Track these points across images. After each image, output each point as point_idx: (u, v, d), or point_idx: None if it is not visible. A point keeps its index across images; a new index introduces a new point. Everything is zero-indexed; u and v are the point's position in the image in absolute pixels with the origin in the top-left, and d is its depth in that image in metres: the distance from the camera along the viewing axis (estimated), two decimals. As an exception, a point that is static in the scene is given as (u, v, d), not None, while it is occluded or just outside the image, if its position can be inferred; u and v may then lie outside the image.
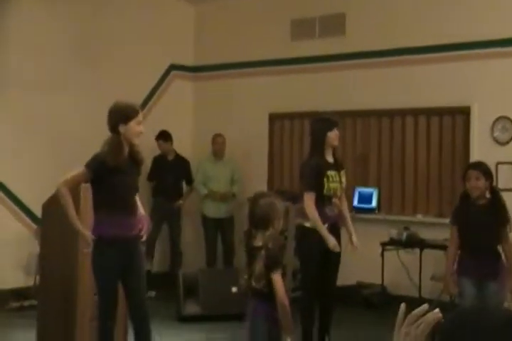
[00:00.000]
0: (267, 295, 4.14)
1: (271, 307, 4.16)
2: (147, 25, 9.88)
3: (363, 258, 8.15)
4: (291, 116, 9.68)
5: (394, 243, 8.26)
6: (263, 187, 9.67)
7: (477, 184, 5.41)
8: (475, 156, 8.25)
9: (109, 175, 4.96)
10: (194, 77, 10.57)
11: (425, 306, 1.78)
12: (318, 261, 6.04)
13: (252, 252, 4.25)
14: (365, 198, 8.95)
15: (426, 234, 8.11)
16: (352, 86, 9.10)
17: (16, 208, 8.63)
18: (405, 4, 8.75)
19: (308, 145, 9.37)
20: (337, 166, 6.20)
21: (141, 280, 5.19)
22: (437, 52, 8.50)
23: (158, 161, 9.45)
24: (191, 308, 7.67)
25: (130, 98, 9.42)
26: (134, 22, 9.74)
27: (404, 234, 8.12)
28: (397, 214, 8.71)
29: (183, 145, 10.24)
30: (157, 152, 9.55)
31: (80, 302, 6.00)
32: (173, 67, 10.34)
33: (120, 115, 4.99)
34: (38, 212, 7.26)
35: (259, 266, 4.11)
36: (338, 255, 6.14)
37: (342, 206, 6.30)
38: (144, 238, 5.26)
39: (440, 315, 1.74)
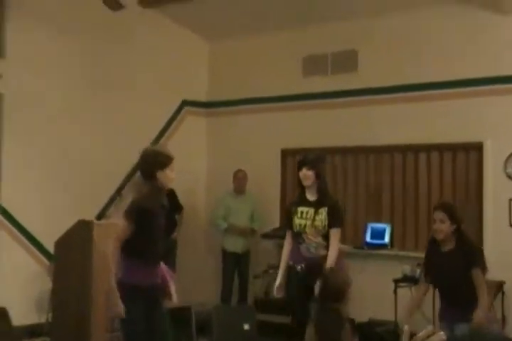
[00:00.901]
0: None
1: None
2: (161, 60, 9.98)
3: (375, 294, 8.14)
4: (303, 152, 9.62)
5: (407, 280, 8.19)
6: (275, 222, 9.69)
7: (440, 227, 5.24)
8: (488, 192, 8.27)
9: (147, 221, 5.01)
10: (207, 113, 10.63)
11: (429, 328, 1.78)
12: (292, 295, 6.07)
13: None
14: (378, 234, 8.91)
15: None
16: (364, 122, 9.11)
17: (29, 244, 8.65)
18: (417, 41, 8.78)
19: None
20: (316, 203, 6.06)
21: (167, 323, 5.22)
22: (450, 88, 8.51)
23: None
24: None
25: (144, 133, 9.69)
26: (148, 57, 9.84)
27: (418, 271, 8.05)
28: (411, 250, 8.66)
29: (196, 180, 10.30)
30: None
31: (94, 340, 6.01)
32: (185, 102, 10.40)
33: (158, 162, 5.07)
34: (50, 248, 7.29)
35: None
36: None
37: (330, 243, 6.06)
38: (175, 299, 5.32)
39: (444, 337, 1.75)
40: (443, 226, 5.21)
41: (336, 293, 4.48)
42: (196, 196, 10.37)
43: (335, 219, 6.02)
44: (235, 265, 9.31)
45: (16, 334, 7.97)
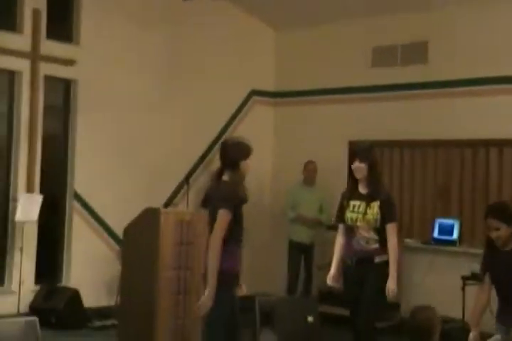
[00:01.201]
0: None
1: None
2: (230, 49, 10.03)
3: (442, 291, 8.05)
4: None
5: (476, 278, 8.08)
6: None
7: (497, 234, 4.95)
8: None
9: (240, 209, 5.10)
10: (275, 103, 10.63)
11: (497, 338, 1.75)
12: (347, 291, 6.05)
13: None
14: (446, 230, 8.79)
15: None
16: (433, 115, 9.02)
17: (101, 229, 8.83)
18: (491, 34, 8.66)
19: (388, 176, 9.53)
20: (367, 197, 5.89)
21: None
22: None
23: None
24: (267, 337, 7.66)
25: (212, 122, 9.77)
26: (217, 46, 9.90)
27: (487, 269, 7.93)
28: (480, 248, 8.50)
29: (262, 170, 10.31)
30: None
31: (160, 326, 6.09)
32: (254, 92, 10.43)
33: (242, 152, 5.14)
34: (120, 233, 7.41)
35: None
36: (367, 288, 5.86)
37: (388, 241, 5.83)
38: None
39: None
40: (500, 233, 4.95)
41: (424, 331, 4.23)
42: (263, 186, 10.38)
43: (388, 213, 5.84)
44: (301, 256, 9.31)
45: (87, 315, 8.19)
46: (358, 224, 5.82)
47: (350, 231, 5.89)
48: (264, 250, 9.80)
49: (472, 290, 8.05)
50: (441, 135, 8.92)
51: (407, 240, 9.10)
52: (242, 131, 10.15)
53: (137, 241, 6.36)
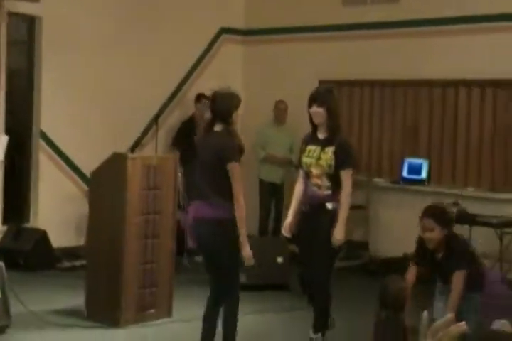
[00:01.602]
0: None
1: None
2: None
3: (411, 230, 8.04)
4: (341, 84, 9.51)
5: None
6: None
7: (430, 235, 4.98)
8: (530, 128, 8.13)
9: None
10: (245, 41, 10.45)
11: (450, 316, 1.70)
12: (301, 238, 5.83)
13: None
14: (415, 169, 8.79)
15: (476, 209, 7.89)
16: (404, 54, 8.91)
17: (69, 169, 8.72)
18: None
19: (357, 115, 9.47)
20: (323, 142, 5.60)
21: None
22: (494, 21, 8.25)
23: (188, 128, 9.23)
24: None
25: (181, 61, 9.61)
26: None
27: (454, 210, 7.98)
28: (447, 187, 8.57)
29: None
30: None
31: (128, 271, 6.05)
32: (223, 30, 10.23)
33: (234, 102, 5.07)
34: (88, 172, 7.32)
35: None
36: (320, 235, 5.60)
37: (343, 188, 5.54)
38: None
39: (465, 327, 1.67)
40: (433, 234, 4.98)
41: (395, 301, 4.31)
42: (232, 126, 10.28)
43: (343, 159, 5.52)
44: (271, 196, 9.28)
45: (56, 256, 8.15)
46: (312, 169, 5.57)
47: (307, 176, 5.67)
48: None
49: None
50: (411, 75, 8.83)
51: (377, 180, 9.13)
52: (211, 70, 10.04)
53: (104, 187, 6.26)
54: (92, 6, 8.78)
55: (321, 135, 5.62)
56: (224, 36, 10.25)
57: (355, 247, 8.48)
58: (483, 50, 8.36)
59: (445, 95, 8.79)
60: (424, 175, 8.74)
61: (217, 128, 5.02)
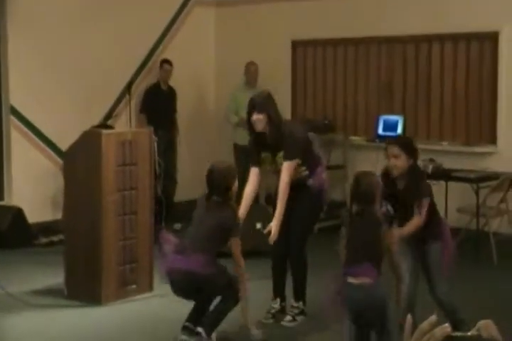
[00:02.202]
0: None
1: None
2: None
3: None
4: (314, 43, 9.40)
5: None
6: (287, 115, 9.49)
7: (395, 162, 4.89)
8: (503, 83, 8.07)
9: None
10: (216, 3, 10.23)
11: (433, 318, 1.62)
12: None
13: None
14: (390, 126, 8.72)
15: (452, 164, 7.88)
16: (376, 11, 8.79)
17: (42, 144, 8.57)
18: None
19: (332, 74, 9.33)
20: (272, 148, 5.61)
21: None
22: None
23: (152, 92, 9.21)
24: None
25: (152, 25, 9.41)
26: None
27: (430, 167, 7.92)
28: (423, 143, 8.47)
29: (205, 73, 10.07)
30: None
31: (107, 248, 5.97)
32: (193, -8, 10.02)
33: (231, 177, 5.19)
34: (62, 146, 7.21)
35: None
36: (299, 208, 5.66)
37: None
38: None
39: (449, 329, 1.60)
40: (399, 162, 4.89)
41: (366, 194, 4.39)
42: (206, 90, 10.15)
43: (286, 152, 5.51)
44: (245, 158, 9.17)
45: (33, 233, 8.05)
46: (275, 176, 5.67)
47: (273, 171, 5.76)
48: (211, 154, 9.63)
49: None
50: (384, 31, 8.71)
51: (353, 138, 9.06)
52: (182, 34, 9.85)
53: (79, 165, 6.13)
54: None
55: (268, 140, 5.56)
56: (194, -2, 10.04)
57: (334, 207, 8.45)
58: (455, 4, 8.24)
59: (418, 51, 8.69)
60: (399, 131, 8.67)
61: (215, 198, 5.06)
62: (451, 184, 7.78)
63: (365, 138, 8.95)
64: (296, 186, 5.57)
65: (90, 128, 6.27)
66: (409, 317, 1.65)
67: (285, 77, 9.63)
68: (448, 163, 7.90)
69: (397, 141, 5.17)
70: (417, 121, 8.75)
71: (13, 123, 8.39)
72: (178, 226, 8.68)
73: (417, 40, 8.62)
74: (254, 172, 5.74)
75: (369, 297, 4.29)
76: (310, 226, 5.90)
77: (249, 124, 5.60)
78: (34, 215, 8.16)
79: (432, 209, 5.05)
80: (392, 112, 8.83)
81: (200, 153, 9.72)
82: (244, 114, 9.04)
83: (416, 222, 4.89)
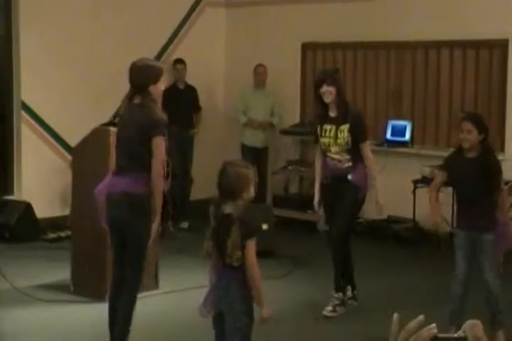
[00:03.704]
0: (239, 268, 3.93)
1: (244, 277, 3.95)
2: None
3: (394, 193, 8.01)
4: (324, 47, 9.38)
5: (426, 181, 8.05)
6: (295, 118, 9.52)
7: (468, 137, 5.15)
8: (512, 90, 8.04)
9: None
10: (226, 4, 10.21)
11: (421, 318, 1.60)
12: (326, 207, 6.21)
13: (220, 220, 3.97)
14: (399, 131, 8.71)
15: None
16: (387, 16, 8.74)
17: (52, 140, 8.58)
18: None
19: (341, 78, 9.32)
20: (337, 120, 5.93)
21: None
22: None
23: (170, 91, 9.13)
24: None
25: (163, 25, 9.40)
26: None
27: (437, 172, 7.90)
28: (431, 149, 8.49)
29: (215, 74, 10.06)
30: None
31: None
32: (205, -7, 10.02)
33: (150, 76, 4.86)
34: (71, 142, 7.21)
35: (233, 238, 3.86)
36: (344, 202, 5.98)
37: (366, 159, 6.00)
38: None
39: (435, 330, 1.58)
40: (470, 136, 5.16)
41: (230, 188, 3.95)
42: (216, 91, 10.15)
43: (359, 134, 5.93)
44: (253, 160, 9.15)
45: (41, 227, 8.07)
46: (331, 148, 5.93)
47: (325, 153, 6.03)
48: (218, 154, 9.60)
49: (422, 192, 8.08)
50: (394, 37, 8.68)
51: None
52: (193, 34, 9.85)
53: (88, 161, 6.16)
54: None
55: (332, 113, 5.97)
56: (206, 0, 10.00)
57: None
58: (465, 11, 8.20)
59: (428, 57, 8.67)
60: (407, 137, 8.66)
61: (137, 100, 4.81)
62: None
63: (374, 143, 8.91)
64: (337, 180, 5.93)
65: (99, 125, 6.22)
66: (395, 315, 1.63)
67: (294, 80, 9.61)
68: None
69: (471, 117, 5.37)
70: (426, 126, 8.72)
71: (24, 119, 8.40)
72: (185, 224, 8.69)
73: (427, 46, 8.59)
74: (319, 149, 6.11)
75: (229, 297, 3.96)
76: (351, 219, 6.16)
77: (317, 96, 5.98)
78: (43, 210, 8.18)
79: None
80: (400, 117, 8.81)
81: (209, 152, 9.67)
82: (253, 115, 9.15)
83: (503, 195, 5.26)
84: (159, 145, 4.70)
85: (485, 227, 5.17)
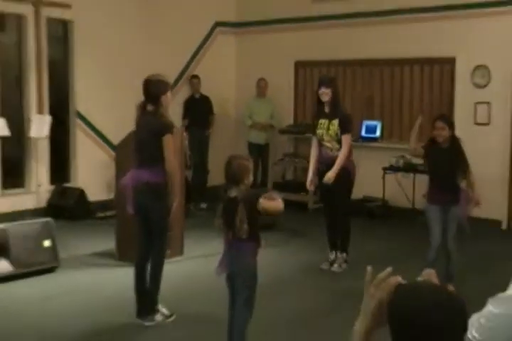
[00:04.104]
0: (248, 239, 3.88)
1: (254, 246, 3.94)
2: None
3: (368, 178, 8.05)
4: (313, 64, 9.38)
5: (393, 168, 8.09)
6: (290, 120, 9.54)
7: (441, 133, 5.21)
8: (458, 97, 8.03)
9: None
10: (236, 32, 10.20)
11: (389, 270, 1.64)
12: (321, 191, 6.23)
13: (228, 202, 3.91)
14: (371, 129, 8.72)
15: (418, 160, 7.80)
16: (361, 40, 8.73)
17: (100, 140, 8.60)
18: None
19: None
20: (330, 115, 5.90)
21: None
22: (430, 12, 8.10)
23: (189, 101, 9.30)
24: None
25: (184, 50, 9.41)
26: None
27: (401, 162, 7.93)
28: (396, 143, 8.50)
29: (227, 87, 10.07)
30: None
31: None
32: (218, 23, 9.95)
33: (162, 88, 4.70)
34: (115, 141, 7.22)
35: (240, 215, 3.81)
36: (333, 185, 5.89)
37: (342, 147, 5.91)
38: None
39: (400, 278, 1.62)
40: (444, 132, 5.21)
41: (235, 175, 3.88)
42: (228, 100, 10.14)
43: (343, 127, 5.89)
44: (258, 154, 9.21)
45: (92, 208, 8.12)
46: (324, 137, 5.90)
47: (320, 143, 5.98)
48: (229, 150, 9.62)
49: (390, 178, 8.12)
50: (367, 55, 8.68)
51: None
52: (209, 56, 9.83)
53: (127, 156, 6.11)
54: (112, 10, 8.54)
55: (327, 110, 5.94)
56: (218, 28, 9.98)
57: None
58: (422, 35, 8.20)
59: (393, 71, 8.66)
60: (378, 133, 8.67)
61: (150, 108, 4.67)
62: (418, 176, 7.77)
63: (352, 139, 8.90)
64: (330, 166, 5.86)
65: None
66: (369, 267, 1.67)
67: (289, 91, 9.61)
68: (415, 159, 7.83)
69: (442, 118, 5.41)
70: (392, 125, 8.72)
71: (79, 125, 8.42)
72: (204, 205, 8.74)
73: (392, 63, 8.57)
74: (315, 140, 6.06)
75: (238, 263, 3.91)
76: (347, 199, 6.13)
77: (317, 96, 5.97)
78: (93, 195, 8.22)
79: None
80: (372, 118, 8.81)
81: (222, 149, 9.68)
82: (256, 119, 9.18)
83: (472, 175, 5.26)
84: (169, 142, 4.59)
85: (453, 201, 5.20)
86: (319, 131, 5.93)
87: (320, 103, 5.95)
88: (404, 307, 1.49)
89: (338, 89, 6.02)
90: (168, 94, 4.70)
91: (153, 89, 4.65)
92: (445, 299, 1.49)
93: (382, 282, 1.60)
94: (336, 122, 5.86)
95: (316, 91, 6.01)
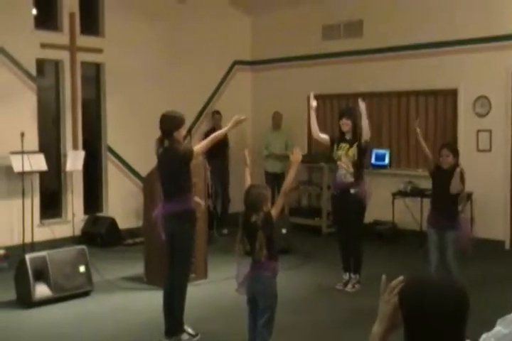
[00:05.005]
0: (265, 262, 3.94)
1: (274, 267, 3.99)
2: (215, 32, 9.73)
3: (378, 202, 8.09)
4: (324, 97, 9.48)
5: (401, 193, 8.14)
6: (304, 150, 9.61)
7: (447, 160, 5.30)
8: (461, 125, 8.07)
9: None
10: (252, 69, 10.40)
11: (400, 278, 1.72)
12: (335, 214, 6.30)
13: (248, 227, 3.94)
14: (380, 157, 8.79)
15: (425, 185, 7.83)
16: (369, 74, 8.84)
17: (129, 173, 8.74)
18: (410, 9, 8.44)
19: (336, 120, 9.41)
20: (351, 141, 5.99)
21: None
22: (433, 47, 8.20)
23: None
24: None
25: (206, 86, 9.62)
26: (205, 30, 9.59)
27: (409, 187, 7.97)
28: (404, 169, 8.56)
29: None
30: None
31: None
32: (236, 62, 10.18)
33: (175, 123, 4.71)
34: (143, 173, 7.36)
35: (260, 240, 3.87)
36: (350, 211, 5.94)
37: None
38: None
39: (401, 278, 1.69)
40: (449, 159, 5.29)
41: (254, 203, 3.92)
42: (245, 132, 10.27)
43: (363, 155, 6.06)
44: (274, 182, 9.29)
45: (122, 236, 8.22)
46: (342, 158, 5.93)
47: (336, 166, 6.01)
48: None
49: (399, 202, 8.16)
50: (374, 89, 8.78)
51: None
52: (228, 91, 10.02)
53: (153, 187, 6.21)
54: (139, 51, 8.78)
55: (348, 137, 6.03)
56: (236, 66, 10.21)
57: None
58: (425, 69, 8.28)
59: (400, 102, 8.74)
60: (387, 161, 8.72)
61: (166, 144, 4.64)
62: (425, 200, 7.77)
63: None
64: (343, 192, 5.90)
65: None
66: (383, 276, 1.75)
67: (302, 122, 9.70)
68: (422, 185, 7.91)
69: (448, 146, 5.52)
70: (400, 153, 8.77)
71: (109, 158, 8.59)
72: (225, 231, 8.79)
73: (399, 95, 8.67)
74: (327, 135, 6.20)
75: (260, 284, 3.94)
76: (360, 223, 6.13)
77: (339, 125, 6.04)
78: (123, 223, 8.32)
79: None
80: (381, 147, 8.87)
81: (240, 178, 9.74)
82: (272, 149, 9.28)
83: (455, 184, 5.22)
84: (197, 155, 4.64)
85: (450, 226, 5.23)
86: (339, 152, 6.00)
87: (341, 131, 6.06)
88: (414, 294, 1.58)
89: (358, 120, 6.07)
90: (181, 130, 4.65)
91: (167, 125, 4.63)
92: (450, 285, 1.57)
93: (395, 289, 1.68)
94: (355, 146, 5.95)
95: (338, 120, 6.13)
